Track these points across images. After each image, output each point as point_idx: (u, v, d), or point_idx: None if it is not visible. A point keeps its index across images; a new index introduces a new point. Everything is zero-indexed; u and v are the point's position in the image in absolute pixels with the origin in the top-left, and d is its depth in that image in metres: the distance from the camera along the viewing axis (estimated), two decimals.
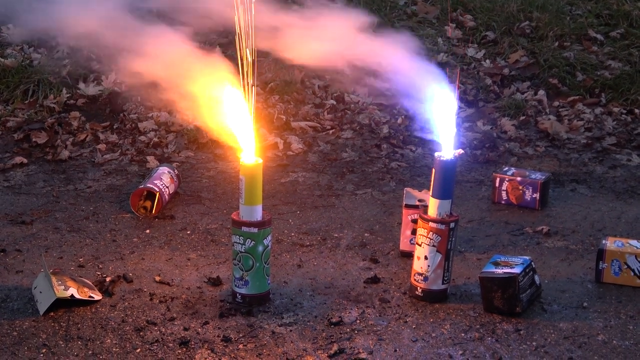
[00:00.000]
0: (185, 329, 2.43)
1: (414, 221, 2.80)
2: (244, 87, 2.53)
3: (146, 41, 3.00)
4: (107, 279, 2.66)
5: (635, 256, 2.72)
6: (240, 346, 2.36)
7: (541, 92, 4.41)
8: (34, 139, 3.81)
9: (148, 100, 4.00)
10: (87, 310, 2.50)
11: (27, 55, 4.35)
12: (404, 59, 2.84)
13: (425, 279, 2.59)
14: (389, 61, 3.04)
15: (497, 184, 3.39)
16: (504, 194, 3.38)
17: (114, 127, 3.95)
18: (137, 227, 3.09)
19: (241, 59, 2.52)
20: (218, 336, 2.40)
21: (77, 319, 2.46)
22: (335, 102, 4.24)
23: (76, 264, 2.80)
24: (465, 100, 4.31)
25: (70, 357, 2.29)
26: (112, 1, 3.22)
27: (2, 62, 4.25)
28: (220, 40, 4.34)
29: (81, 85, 4.16)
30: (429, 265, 2.58)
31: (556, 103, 4.38)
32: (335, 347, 2.35)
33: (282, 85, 4.24)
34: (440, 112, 2.57)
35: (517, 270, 2.55)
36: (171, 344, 2.36)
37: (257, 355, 2.32)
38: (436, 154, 2.57)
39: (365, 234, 3.09)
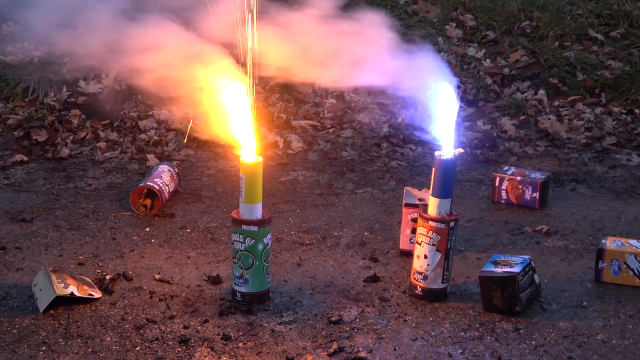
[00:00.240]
0: (185, 327, 2.43)
1: (414, 220, 2.79)
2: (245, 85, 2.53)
3: (147, 40, 3.00)
4: (107, 277, 2.66)
5: (635, 256, 2.72)
6: (240, 344, 2.35)
7: (541, 92, 4.40)
8: (34, 137, 3.81)
9: (148, 99, 4.00)
10: (86, 308, 2.50)
11: (28, 53, 4.35)
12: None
13: (425, 277, 2.59)
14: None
15: (497, 184, 3.39)
16: (503, 194, 3.38)
17: (114, 125, 3.95)
18: (137, 225, 3.09)
19: (242, 58, 2.52)
20: (218, 334, 2.40)
21: (76, 317, 2.46)
22: (335, 101, 4.24)
23: (76, 262, 2.80)
24: (465, 99, 4.31)
25: (70, 354, 2.29)
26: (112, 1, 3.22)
27: (2, 59, 4.25)
28: (222, 40, 4.33)
29: (81, 83, 4.16)
30: (428, 264, 2.58)
31: (556, 103, 4.38)
32: (334, 346, 2.35)
33: (282, 84, 4.24)
34: (441, 110, 2.57)
35: (516, 269, 2.55)
36: (171, 342, 2.36)
37: (256, 354, 2.32)
38: (436, 153, 2.57)
39: (365, 233, 3.09)
